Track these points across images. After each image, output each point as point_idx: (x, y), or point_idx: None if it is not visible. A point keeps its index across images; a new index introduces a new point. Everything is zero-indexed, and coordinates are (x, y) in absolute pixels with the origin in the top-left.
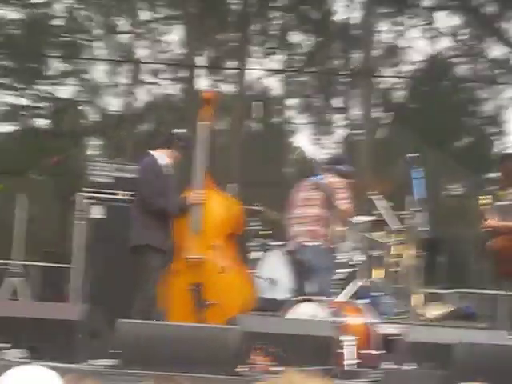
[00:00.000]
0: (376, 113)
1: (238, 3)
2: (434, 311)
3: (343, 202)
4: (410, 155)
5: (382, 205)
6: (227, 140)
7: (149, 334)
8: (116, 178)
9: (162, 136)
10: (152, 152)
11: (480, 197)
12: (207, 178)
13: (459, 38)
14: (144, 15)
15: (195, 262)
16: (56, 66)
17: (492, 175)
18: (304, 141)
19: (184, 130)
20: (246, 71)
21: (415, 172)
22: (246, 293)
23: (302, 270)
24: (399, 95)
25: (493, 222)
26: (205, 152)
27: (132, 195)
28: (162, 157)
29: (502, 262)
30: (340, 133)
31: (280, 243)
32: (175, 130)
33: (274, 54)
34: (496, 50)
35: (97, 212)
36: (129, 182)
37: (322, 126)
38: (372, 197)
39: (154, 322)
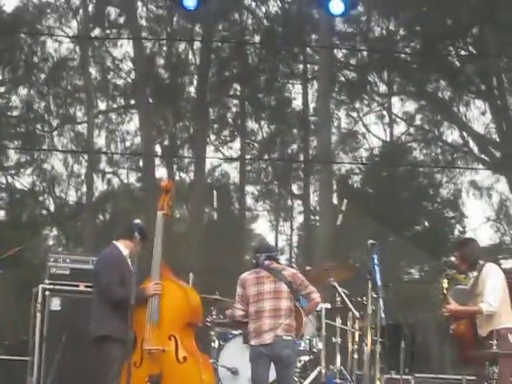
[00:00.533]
0: (335, 199)
1: (194, 92)
2: None
3: (314, 292)
4: (370, 241)
5: (342, 291)
6: (186, 228)
7: None
8: (75, 269)
9: (122, 226)
10: (115, 242)
11: (442, 280)
12: (164, 267)
13: (415, 123)
14: (101, 105)
15: (153, 353)
16: (14, 156)
17: (451, 259)
18: (263, 228)
19: (139, 221)
20: (205, 160)
21: (375, 258)
22: (210, 382)
23: (280, 364)
24: (357, 181)
25: (453, 306)
26: (161, 241)
27: (92, 286)
28: (124, 247)
29: (463, 347)
30: (299, 219)
31: (239, 332)
32: (136, 221)
33: (231, 141)
34: (453, 135)
35: (55, 304)
36: (88, 273)
37: (281, 213)
38: (333, 283)
39: None
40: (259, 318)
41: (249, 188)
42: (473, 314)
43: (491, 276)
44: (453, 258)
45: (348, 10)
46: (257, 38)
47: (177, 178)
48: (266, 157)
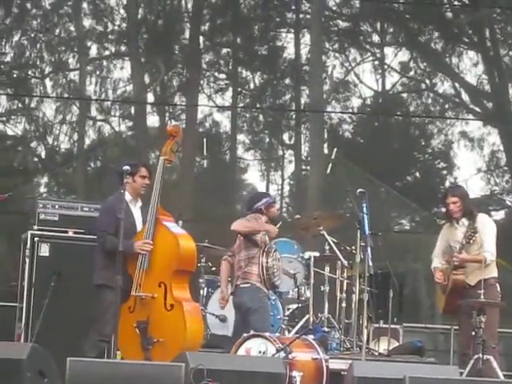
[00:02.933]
0: (326, 148)
1: (186, 39)
2: (384, 346)
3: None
4: (359, 190)
5: (331, 240)
6: (177, 176)
7: (99, 372)
8: (64, 215)
9: (116, 174)
10: (122, 190)
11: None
12: (162, 212)
13: (408, 74)
14: (93, 52)
15: (144, 300)
16: (4, 103)
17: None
18: (254, 177)
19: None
20: (197, 108)
21: (364, 207)
22: (196, 330)
23: (239, 313)
24: (349, 130)
25: (464, 255)
26: (160, 187)
27: (91, 233)
28: (128, 194)
29: (454, 295)
30: (290, 169)
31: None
32: (125, 167)
33: (223, 90)
34: (445, 85)
35: (44, 250)
36: (77, 219)
37: (272, 163)
38: (322, 232)
39: (104, 360)
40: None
41: (240, 137)
42: (478, 262)
43: (489, 226)
44: (450, 204)
45: None
46: None
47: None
48: (258, 106)
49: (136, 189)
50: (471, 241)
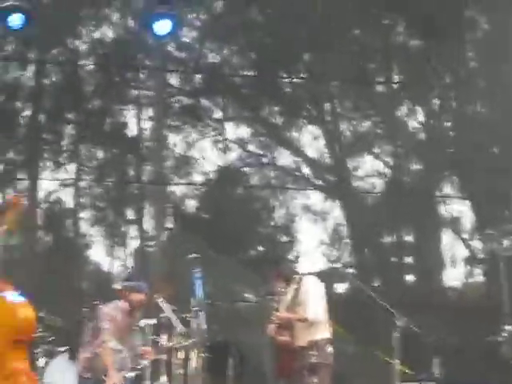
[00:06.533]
0: (168, 223)
1: (27, 116)
2: None
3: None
4: (191, 256)
5: (167, 308)
6: (21, 255)
7: None
8: None
9: None
10: None
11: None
12: (2, 282)
13: (249, 148)
14: None
15: None
16: None
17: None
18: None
19: None
20: (39, 184)
21: (196, 272)
22: None
23: None
24: (191, 205)
25: (282, 314)
26: (1, 254)
27: None
28: None
29: (284, 357)
30: (134, 244)
31: (65, 349)
32: None
33: (65, 165)
34: (285, 159)
35: None
36: None
37: (116, 238)
38: (158, 300)
39: None
40: None
41: (83, 214)
42: (299, 321)
43: (312, 286)
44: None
45: (174, 29)
46: (91, 63)
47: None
48: (101, 182)
49: None
50: (297, 302)
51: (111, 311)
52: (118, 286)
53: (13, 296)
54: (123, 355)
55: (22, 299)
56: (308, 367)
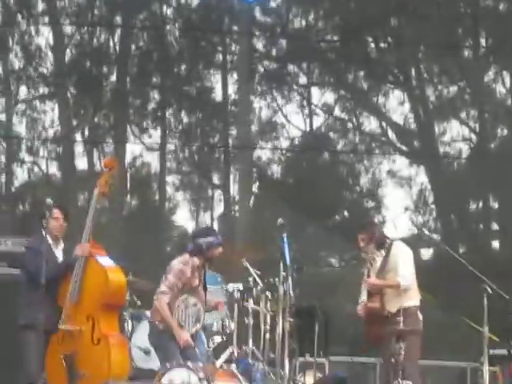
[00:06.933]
0: (254, 188)
1: (113, 81)
2: (310, 379)
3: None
4: (280, 221)
5: (255, 272)
6: (107, 218)
7: None
8: None
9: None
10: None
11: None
12: (94, 245)
13: (334, 113)
14: (22, 93)
15: (69, 333)
16: None
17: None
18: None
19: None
20: (126, 148)
21: (284, 238)
22: (121, 363)
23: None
24: (277, 170)
25: (373, 279)
26: (93, 218)
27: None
28: (49, 236)
29: (372, 324)
30: (219, 209)
31: None
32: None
33: (151, 131)
34: (371, 125)
35: None
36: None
37: (202, 203)
38: (246, 264)
39: None
40: None
41: (169, 178)
42: (391, 287)
43: (402, 252)
44: (360, 242)
45: None
46: (177, 28)
47: (97, 168)
48: (187, 146)
49: (51, 231)
50: (387, 268)
51: (181, 266)
52: (197, 241)
53: (105, 260)
54: (198, 307)
55: (113, 264)
56: (397, 334)
